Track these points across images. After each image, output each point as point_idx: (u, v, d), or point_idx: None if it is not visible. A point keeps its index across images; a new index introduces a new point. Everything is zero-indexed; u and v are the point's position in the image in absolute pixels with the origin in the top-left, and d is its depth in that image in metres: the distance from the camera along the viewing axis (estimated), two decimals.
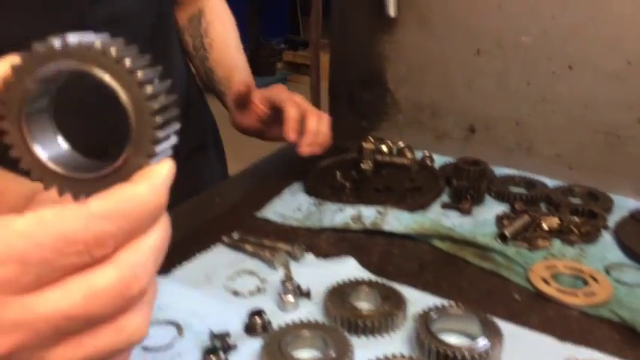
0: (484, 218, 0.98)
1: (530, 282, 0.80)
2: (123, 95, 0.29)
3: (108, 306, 0.29)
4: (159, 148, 0.30)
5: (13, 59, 0.29)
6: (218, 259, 0.87)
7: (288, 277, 0.76)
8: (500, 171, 1.12)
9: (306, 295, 0.77)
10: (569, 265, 0.83)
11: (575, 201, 1.02)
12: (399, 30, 1.21)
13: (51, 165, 0.31)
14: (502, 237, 0.90)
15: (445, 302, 0.73)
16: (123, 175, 0.30)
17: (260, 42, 5.40)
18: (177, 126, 0.31)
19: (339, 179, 1.09)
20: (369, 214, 0.96)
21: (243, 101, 1.05)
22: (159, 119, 0.29)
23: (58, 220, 0.27)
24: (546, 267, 0.82)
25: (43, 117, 0.31)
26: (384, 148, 1.19)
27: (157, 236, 0.30)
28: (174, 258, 0.85)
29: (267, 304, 0.76)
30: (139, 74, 0.28)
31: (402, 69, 1.24)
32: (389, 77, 1.26)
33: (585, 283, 0.80)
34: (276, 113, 1.02)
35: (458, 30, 1.14)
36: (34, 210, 0.28)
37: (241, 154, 2.12)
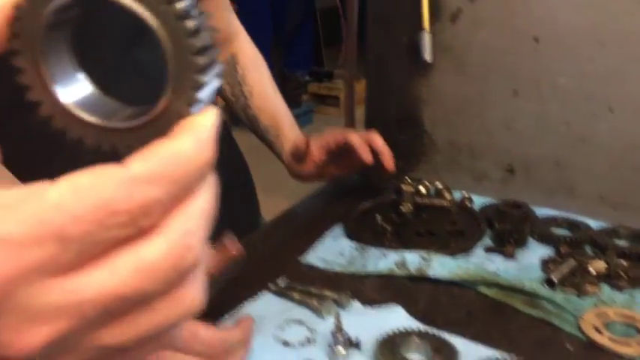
0: (529, 262, 0.97)
1: (581, 331, 0.79)
2: (159, 29, 0.24)
3: (160, 280, 0.25)
4: (201, 94, 0.26)
5: None
6: (266, 307, 0.87)
7: (339, 328, 0.76)
8: (542, 212, 1.12)
9: (356, 346, 0.77)
10: (621, 312, 0.82)
11: (621, 243, 1.01)
12: (436, 74, 1.22)
13: (77, 111, 0.26)
14: (549, 282, 0.89)
15: (497, 354, 0.72)
16: (161, 125, 0.26)
17: (285, 74, 5.47)
18: (219, 68, 0.27)
19: (379, 222, 1.10)
20: (413, 259, 0.96)
21: (302, 155, 1.10)
22: (201, 60, 0.25)
23: (97, 187, 0.23)
24: (597, 315, 0.82)
25: (63, 53, 0.26)
26: (422, 189, 1.20)
27: (206, 198, 0.26)
28: (222, 307, 0.86)
29: (317, 354, 0.76)
30: (178, 4, 0.24)
31: (438, 111, 1.25)
32: (425, 119, 1.27)
33: (638, 331, 0.79)
34: (332, 155, 1.09)
35: (494, 72, 1.15)
36: None
37: (275, 189, 2.15)
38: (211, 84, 0.26)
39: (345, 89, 1.42)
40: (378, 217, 1.11)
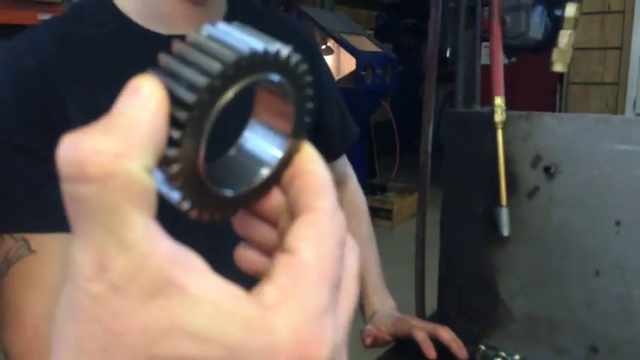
0: None
1: None
2: (288, 86, 0.28)
3: None
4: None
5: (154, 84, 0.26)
6: None
7: None
8: None
9: None
10: None
11: None
12: (512, 245, 1.22)
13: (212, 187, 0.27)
14: None
15: None
16: (286, 163, 0.29)
17: None
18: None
19: None
20: None
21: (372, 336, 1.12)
22: (310, 105, 0.29)
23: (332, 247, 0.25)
24: None
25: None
26: None
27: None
28: None
29: None
30: (301, 66, 0.28)
31: (515, 281, 1.24)
32: (501, 288, 1.27)
33: None
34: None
35: (574, 250, 1.15)
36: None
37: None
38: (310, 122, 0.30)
39: (417, 274, 1.43)
40: None
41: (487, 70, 1.15)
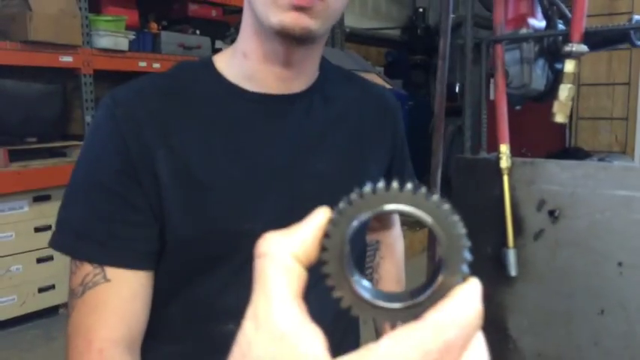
0: None
1: None
2: (436, 226, 0.31)
3: None
4: (466, 268, 0.32)
5: (326, 211, 0.33)
6: None
7: None
8: None
9: None
10: None
11: None
12: (520, 285, 1.28)
13: (374, 301, 0.32)
14: None
15: None
16: (438, 298, 0.31)
17: None
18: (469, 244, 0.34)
19: None
20: None
21: None
22: (467, 242, 0.32)
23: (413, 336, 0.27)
24: None
25: (350, 258, 0.34)
26: None
27: (480, 353, 0.29)
28: None
29: None
30: (446, 205, 0.31)
31: (524, 320, 1.29)
32: (510, 326, 1.31)
33: None
34: None
35: (579, 290, 1.20)
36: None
37: None
38: (470, 258, 0.32)
39: None
40: None
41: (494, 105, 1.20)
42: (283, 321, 0.29)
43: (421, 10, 6.61)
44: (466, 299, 0.30)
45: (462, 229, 0.31)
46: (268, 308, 0.29)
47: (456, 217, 0.32)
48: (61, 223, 0.76)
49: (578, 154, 4.63)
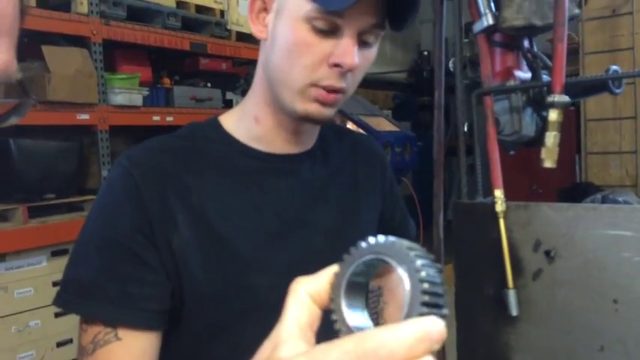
0: None
1: None
2: (403, 274, 0.36)
3: None
4: (426, 309, 0.36)
5: (336, 266, 0.39)
6: None
7: None
8: None
9: None
10: None
11: None
12: (522, 324, 1.32)
13: (357, 329, 0.38)
14: None
15: None
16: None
17: None
18: (444, 311, 0.36)
19: None
20: None
21: None
22: (426, 297, 0.35)
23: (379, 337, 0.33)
24: None
25: (359, 303, 0.40)
26: None
27: None
28: None
29: None
30: (419, 262, 0.36)
31: (528, 358, 1.32)
32: None
33: None
34: None
35: (579, 327, 1.24)
36: None
37: None
38: (432, 301, 0.36)
39: (437, 354, 1.48)
40: None
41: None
42: (284, 335, 0.36)
43: (426, 53, 6.75)
44: (402, 326, 0.34)
45: (425, 284, 0.36)
46: (279, 326, 0.36)
47: (430, 269, 0.36)
48: (68, 282, 0.77)
49: (588, 189, 4.64)
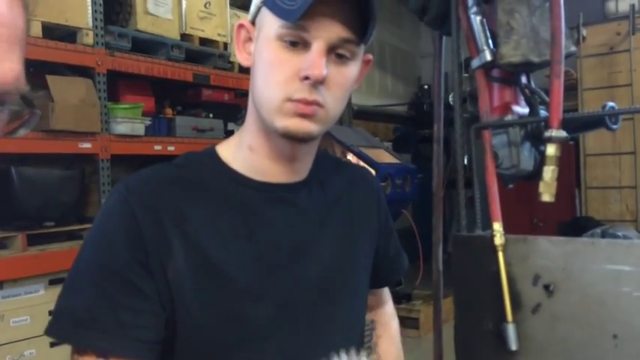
0: None
1: None
2: None
3: None
4: None
5: None
6: None
7: None
8: None
9: None
10: None
11: None
12: (522, 359, 1.31)
13: None
14: None
15: None
16: None
17: None
18: None
19: None
20: None
21: None
22: None
23: None
24: None
25: None
26: None
27: None
28: None
29: None
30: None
31: None
32: None
33: None
34: None
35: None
36: None
37: None
38: None
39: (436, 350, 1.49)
40: None
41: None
42: None
43: (426, 86, 6.83)
44: None
45: None
46: None
47: None
48: (62, 311, 0.77)
49: (588, 223, 4.65)
